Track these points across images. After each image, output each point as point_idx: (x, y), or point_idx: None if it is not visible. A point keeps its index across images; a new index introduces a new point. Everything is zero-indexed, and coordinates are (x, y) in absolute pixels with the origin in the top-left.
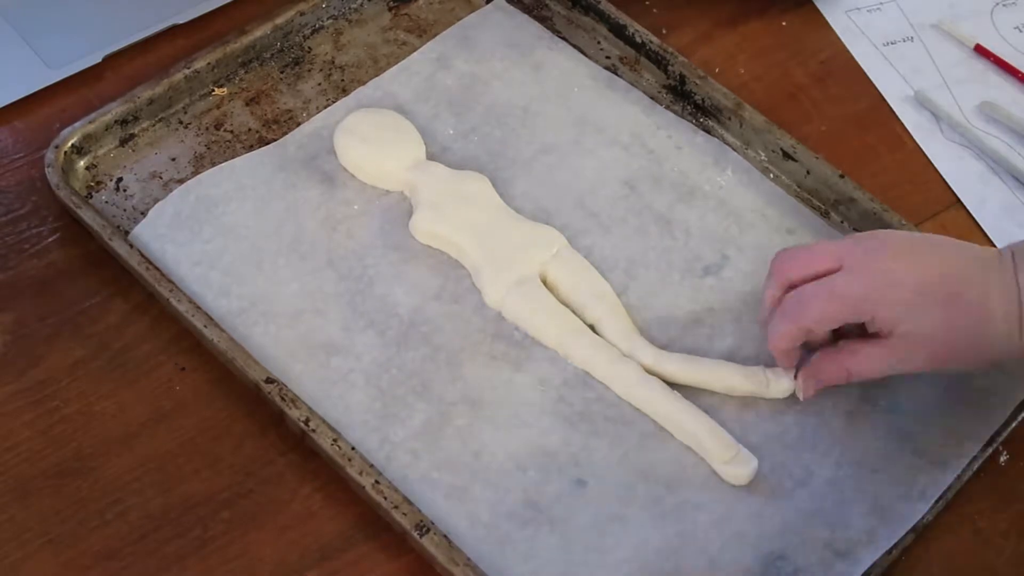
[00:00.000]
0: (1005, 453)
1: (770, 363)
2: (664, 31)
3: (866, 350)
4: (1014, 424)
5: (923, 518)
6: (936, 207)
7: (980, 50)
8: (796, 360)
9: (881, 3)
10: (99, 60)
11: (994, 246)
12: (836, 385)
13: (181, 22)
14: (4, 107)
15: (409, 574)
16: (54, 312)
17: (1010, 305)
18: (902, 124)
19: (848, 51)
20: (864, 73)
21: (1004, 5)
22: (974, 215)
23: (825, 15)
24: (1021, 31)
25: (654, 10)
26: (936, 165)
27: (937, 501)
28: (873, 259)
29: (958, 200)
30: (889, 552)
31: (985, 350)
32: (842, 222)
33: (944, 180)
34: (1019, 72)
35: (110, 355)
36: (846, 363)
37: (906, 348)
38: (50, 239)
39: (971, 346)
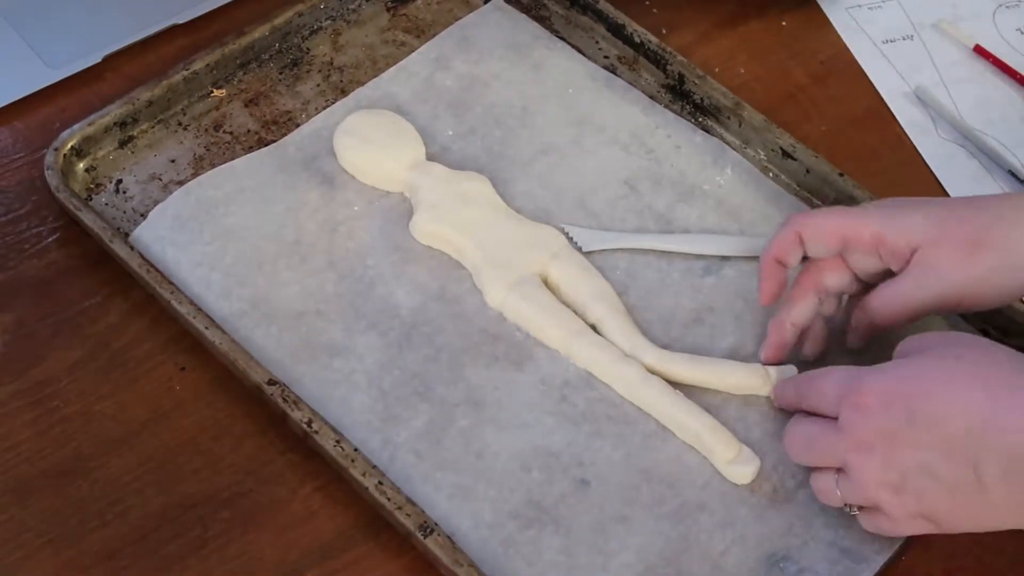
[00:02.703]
0: None
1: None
2: (664, 31)
3: (884, 286)
4: None
5: None
6: None
7: (979, 51)
8: (779, 285)
9: (882, 1)
10: (99, 60)
11: None
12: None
13: (181, 22)
14: (4, 107)
15: (410, 574)
16: (54, 312)
17: None
18: (901, 124)
19: (848, 51)
20: (864, 73)
21: (1007, 7)
22: None
23: (826, 11)
24: (1022, 33)
25: (654, 10)
26: (930, 163)
27: None
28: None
29: None
30: (894, 550)
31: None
32: None
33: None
34: (1018, 74)
35: (110, 355)
36: (868, 303)
37: (922, 271)
38: (50, 239)
39: (1000, 234)
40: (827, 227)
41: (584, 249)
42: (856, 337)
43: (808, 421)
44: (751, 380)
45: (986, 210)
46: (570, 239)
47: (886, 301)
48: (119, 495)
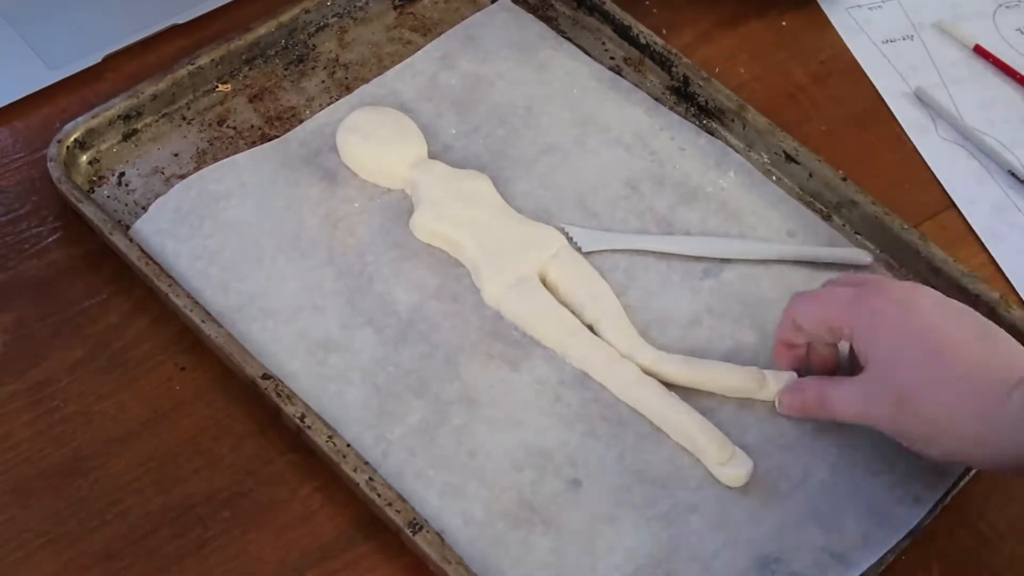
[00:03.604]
0: None
1: (768, 365)
2: (664, 31)
3: (845, 381)
4: None
5: (920, 523)
6: (936, 207)
7: (979, 51)
8: (787, 362)
9: (882, 1)
10: (99, 60)
11: (983, 246)
12: (813, 415)
13: (181, 22)
14: (4, 107)
15: (410, 574)
16: (54, 312)
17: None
18: (901, 124)
19: (848, 51)
20: (864, 73)
21: (1007, 7)
22: (964, 214)
23: (826, 11)
24: (1023, 33)
25: (654, 10)
26: (930, 163)
27: (935, 506)
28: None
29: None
30: (884, 556)
31: (963, 421)
32: (844, 225)
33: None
34: (1018, 74)
35: (110, 355)
36: (824, 386)
37: (876, 380)
38: (50, 239)
39: (946, 404)
40: (813, 317)
41: (584, 249)
42: (792, 405)
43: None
44: (747, 383)
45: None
46: (570, 239)
47: (840, 395)
48: (119, 495)
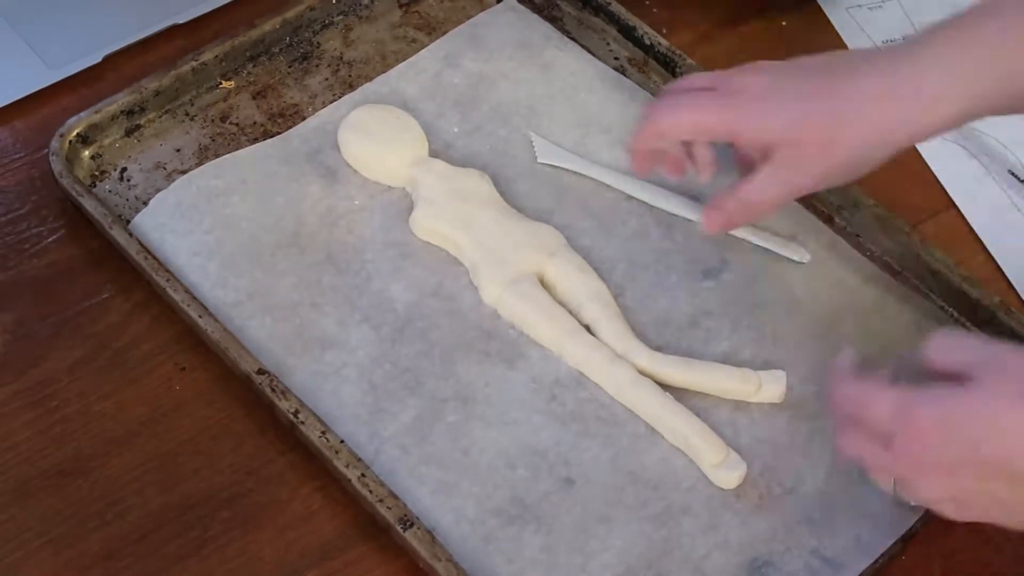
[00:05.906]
0: None
1: (767, 366)
2: (664, 31)
3: (756, 174)
4: None
5: (913, 527)
6: (936, 207)
7: None
8: (647, 169)
9: (882, 1)
10: (99, 60)
11: (983, 246)
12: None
13: (181, 22)
14: (4, 107)
15: (409, 573)
16: (54, 312)
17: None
18: None
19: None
20: None
21: None
22: (964, 214)
23: (826, 11)
24: None
25: (654, 10)
26: (930, 163)
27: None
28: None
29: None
30: (876, 561)
31: (871, 134)
32: (845, 227)
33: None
34: None
35: (110, 355)
36: (739, 191)
37: (787, 148)
38: (50, 239)
39: (853, 133)
40: (682, 125)
41: (539, 160)
42: (713, 220)
43: (859, 436)
44: (742, 386)
45: (841, 111)
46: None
47: (759, 187)
48: (119, 495)
